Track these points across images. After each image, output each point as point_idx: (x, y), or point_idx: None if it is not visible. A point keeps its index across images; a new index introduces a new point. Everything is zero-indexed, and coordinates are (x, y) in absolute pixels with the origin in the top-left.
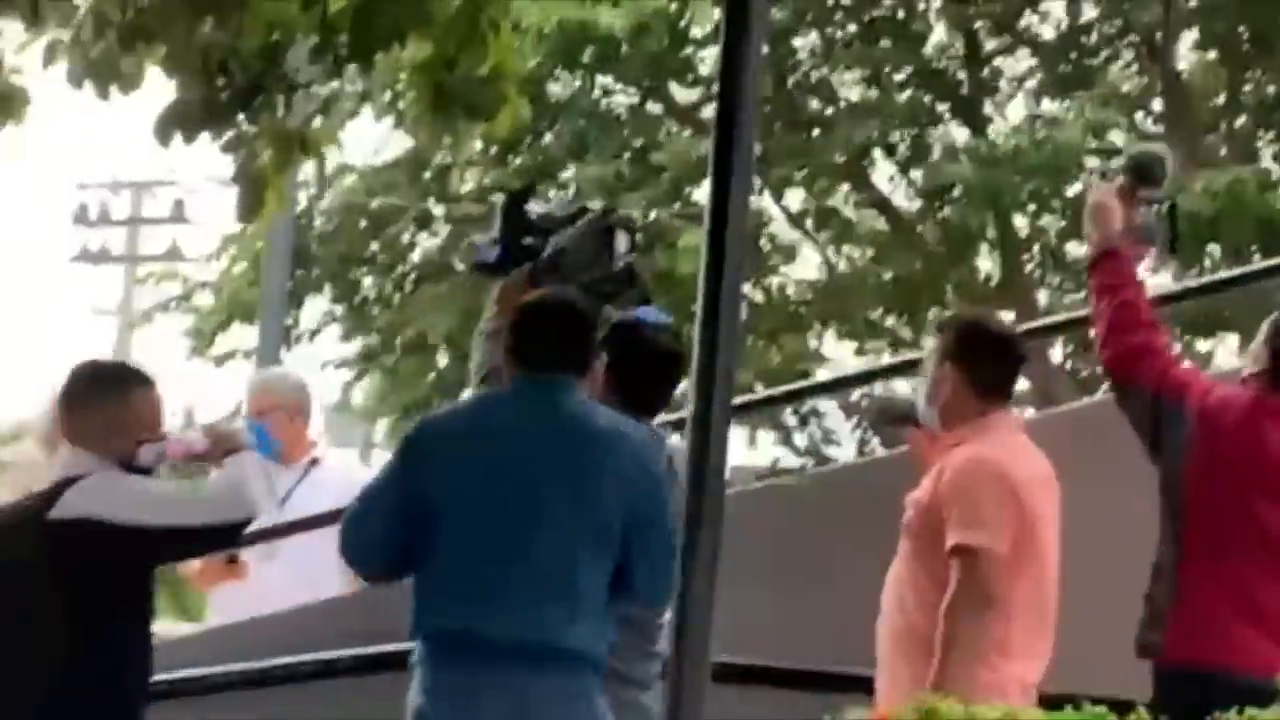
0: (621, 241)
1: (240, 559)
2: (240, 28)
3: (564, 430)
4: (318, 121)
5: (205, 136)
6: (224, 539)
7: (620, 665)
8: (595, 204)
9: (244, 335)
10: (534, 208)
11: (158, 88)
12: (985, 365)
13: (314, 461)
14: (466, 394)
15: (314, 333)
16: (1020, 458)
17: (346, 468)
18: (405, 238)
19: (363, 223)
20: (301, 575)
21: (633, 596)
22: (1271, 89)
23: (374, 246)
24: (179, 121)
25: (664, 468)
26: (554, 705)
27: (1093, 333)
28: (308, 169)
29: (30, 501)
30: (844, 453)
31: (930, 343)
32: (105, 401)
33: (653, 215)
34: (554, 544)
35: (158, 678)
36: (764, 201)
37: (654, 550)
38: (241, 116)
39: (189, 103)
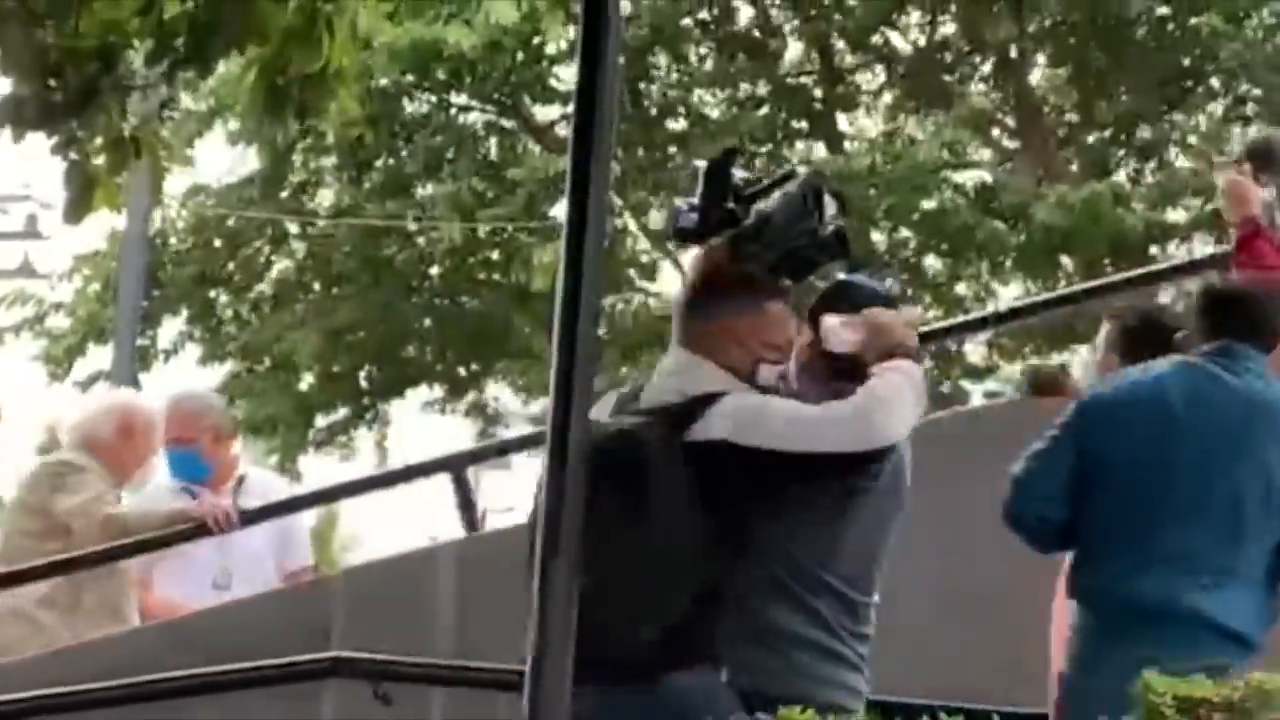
0: (830, 205)
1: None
2: (75, 29)
3: (1242, 403)
4: (153, 125)
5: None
6: (857, 466)
7: (834, 644)
8: (801, 169)
9: (100, 357)
10: (738, 174)
11: None
12: (1143, 355)
13: (240, 479)
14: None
15: (169, 353)
16: None
17: (264, 478)
18: (261, 258)
19: (217, 241)
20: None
21: None
22: (1123, 106)
23: (230, 266)
24: (10, 119)
25: None
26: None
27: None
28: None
29: (657, 420)
30: None
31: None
32: (732, 309)
33: (509, 231)
34: (1220, 515)
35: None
36: (624, 219)
37: None
38: (74, 120)
39: (21, 101)
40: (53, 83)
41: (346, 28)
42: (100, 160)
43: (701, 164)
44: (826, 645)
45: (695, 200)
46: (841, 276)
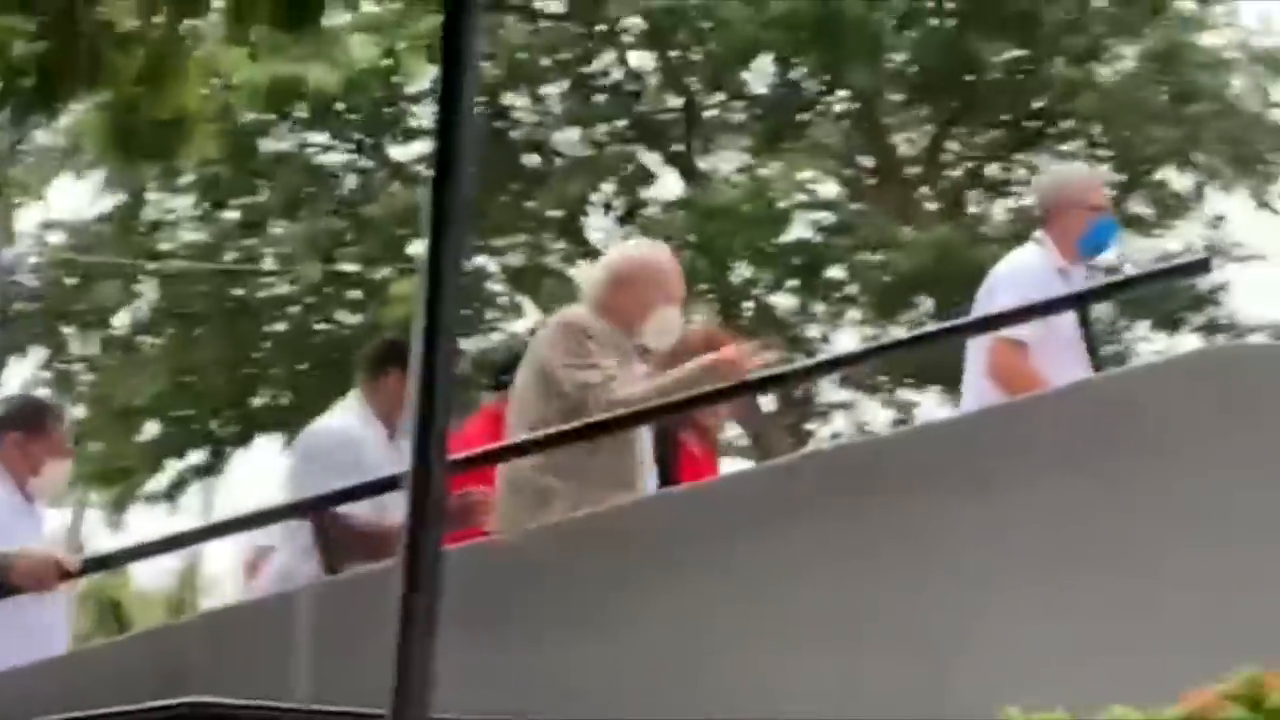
0: None
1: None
2: None
3: None
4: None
5: None
6: None
7: None
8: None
9: None
10: None
11: None
12: None
13: None
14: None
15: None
16: None
17: None
18: (112, 298)
19: (69, 280)
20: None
21: None
22: (975, 146)
23: (81, 306)
24: None
25: None
26: None
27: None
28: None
29: None
30: None
31: None
32: None
33: (366, 271)
34: None
35: None
36: (482, 259)
37: None
38: None
39: None
40: None
41: (199, 70)
42: None
43: None
44: None
45: None
46: None
